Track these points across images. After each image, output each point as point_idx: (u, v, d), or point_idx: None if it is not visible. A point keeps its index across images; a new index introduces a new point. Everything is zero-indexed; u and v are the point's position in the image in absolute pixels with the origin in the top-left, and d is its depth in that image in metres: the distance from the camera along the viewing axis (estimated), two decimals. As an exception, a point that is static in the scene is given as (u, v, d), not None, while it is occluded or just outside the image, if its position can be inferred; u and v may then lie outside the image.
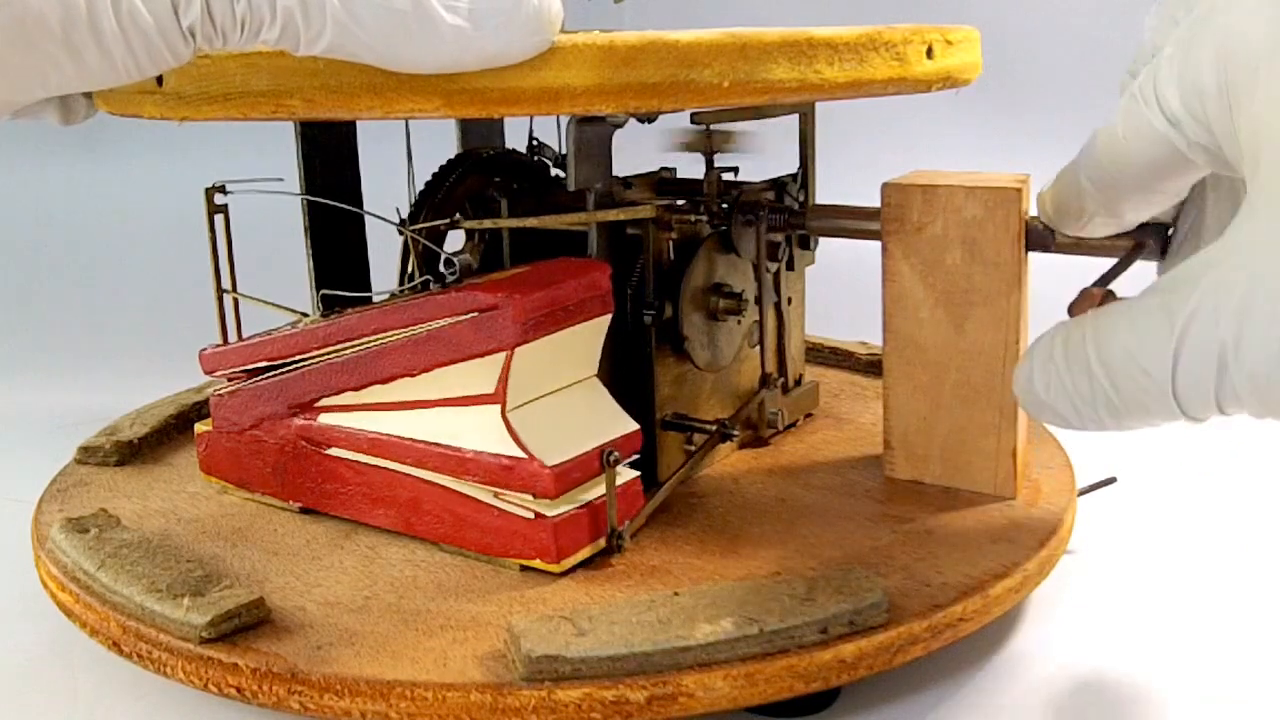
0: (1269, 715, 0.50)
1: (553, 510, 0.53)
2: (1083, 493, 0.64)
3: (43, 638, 0.59)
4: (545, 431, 0.54)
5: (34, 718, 0.52)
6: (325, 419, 0.60)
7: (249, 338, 0.63)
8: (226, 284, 0.67)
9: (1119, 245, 0.56)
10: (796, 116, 0.70)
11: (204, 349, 0.64)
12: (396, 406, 0.57)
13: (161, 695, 0.53)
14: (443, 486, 0.56)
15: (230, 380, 0.64)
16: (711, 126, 0.64)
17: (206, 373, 0.65)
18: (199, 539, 0.59)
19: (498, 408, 0.54)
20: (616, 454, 0.55)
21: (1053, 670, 0.54)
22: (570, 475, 0.54)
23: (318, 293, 0.67)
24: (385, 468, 0.58)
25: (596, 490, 0.55)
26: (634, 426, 0.57)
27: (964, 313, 0.60)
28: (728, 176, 0.66)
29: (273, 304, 0.65)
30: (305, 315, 0.64)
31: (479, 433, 0.54)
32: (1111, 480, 0.68)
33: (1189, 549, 0.65)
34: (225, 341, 0.65)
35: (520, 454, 0.53)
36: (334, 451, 0.59)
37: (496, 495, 0.54)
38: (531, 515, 0.53)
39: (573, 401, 0.57)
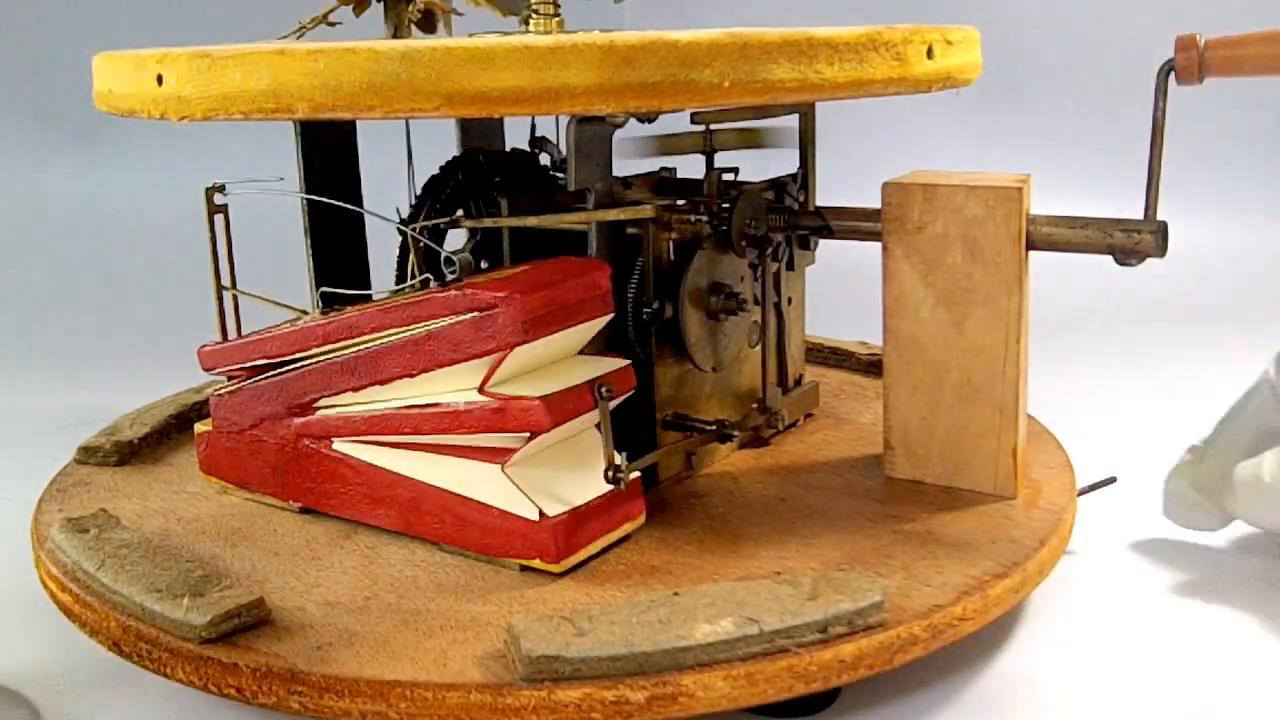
0: (1268, 713, 0.50)
1: (554, 510, 0.53)
2: (1083, 493, 0.64)
3: (43, 638, 0.59)
4: (533, 378, 0.54)
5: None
6: (324, 416, 0.60)
7: (248, 335, 0.63)
8: (226, 282, 0.67)
9: (1114, 243, 0.56)
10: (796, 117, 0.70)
11: (203, 346, 0.64)
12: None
13: (161, 695, 0.53)
14: (443, 488, 0.56)
15: (230, 378, 0.64)
16: (712, 126, 0.64)
17: (205, 370, 0.65)
18: (199, 539, 0.59)
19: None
20: (610, 387, 0.54)
21: (1053, 671, 0.54)
22: (562, 406, 0.53)
23: (317, 290, 0.67)
24: (385, 468, 0.58)
25: (596, 490, 0.55)
26: (624, 363, 0.57)
27: (964, 312, 0.60)
28: (728, 177, 0.66)
29: (272, 301, 0.65)
30: (305, 313, 0.64)
31: (468, 394, 0.54)
32: (1111, 480, 0.68)
33: (1189, 549, 0.65)
34: (225, 339, 0.65)
35: (509, 394, 0.53)
36: (334, 445, 0.59)
37: (496, 495, 0.54)
38: (534, 516, 0.53)
39: (556, 364, 0.57)
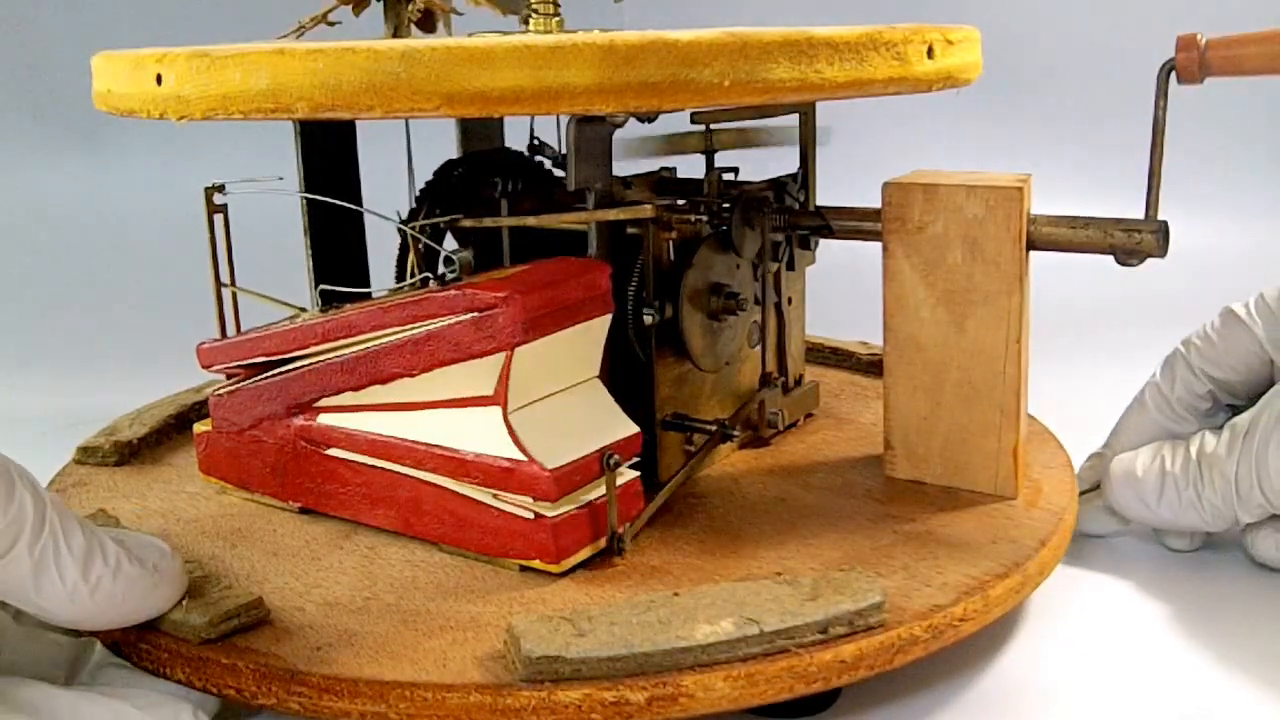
0: (1266, 714, 0.50)
1: (553, 511, 0.53)
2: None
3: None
4: (545, 433, 0.54)
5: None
6: (325, 419, 0.60)
7: (247, 332, 0.63)
8: (225, 280, 0.67)
9: (1115, 242, 0.56)
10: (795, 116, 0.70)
11: (201, 343, 0.64)
12: (396, 407, 0.57)
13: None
14: (442, 487, 0.56)
15: (227, 375, 0.64)
16: (711, 126, 0.64)
17: (204, 367, 0.64)
18: (198, 539, 0.59)
19: (498, 409, 0.54)
20: (617, 457, 0.55)
21: (1053, 671, 0.54)
22: (570, 478, 0.53)
23: (316, 289, 0.67)
24: (385, 468, 0.58)
25: (596, 490, 0.55)
26: (634, 429, 0.57)
27: (965, 312, 0.59)
28: (728, 176, 0.66)
29: (271, 299, 0.65)
30: (303, 310, 0.64)
31: (479, 435, 0.54)
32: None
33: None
34: (223, 336, 0.65)
35: (520, 456, 0.53)
36: (333, 452, 0.59)
37: (496, 496, 0.54)
38: (531, 516, 0.53)
39: (573, 403, 0.57)
